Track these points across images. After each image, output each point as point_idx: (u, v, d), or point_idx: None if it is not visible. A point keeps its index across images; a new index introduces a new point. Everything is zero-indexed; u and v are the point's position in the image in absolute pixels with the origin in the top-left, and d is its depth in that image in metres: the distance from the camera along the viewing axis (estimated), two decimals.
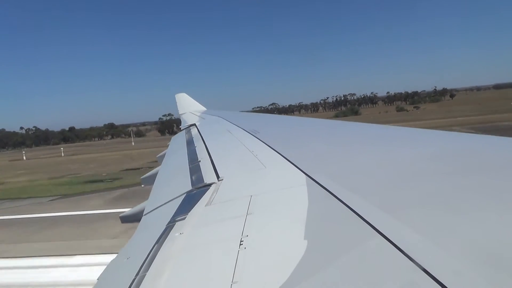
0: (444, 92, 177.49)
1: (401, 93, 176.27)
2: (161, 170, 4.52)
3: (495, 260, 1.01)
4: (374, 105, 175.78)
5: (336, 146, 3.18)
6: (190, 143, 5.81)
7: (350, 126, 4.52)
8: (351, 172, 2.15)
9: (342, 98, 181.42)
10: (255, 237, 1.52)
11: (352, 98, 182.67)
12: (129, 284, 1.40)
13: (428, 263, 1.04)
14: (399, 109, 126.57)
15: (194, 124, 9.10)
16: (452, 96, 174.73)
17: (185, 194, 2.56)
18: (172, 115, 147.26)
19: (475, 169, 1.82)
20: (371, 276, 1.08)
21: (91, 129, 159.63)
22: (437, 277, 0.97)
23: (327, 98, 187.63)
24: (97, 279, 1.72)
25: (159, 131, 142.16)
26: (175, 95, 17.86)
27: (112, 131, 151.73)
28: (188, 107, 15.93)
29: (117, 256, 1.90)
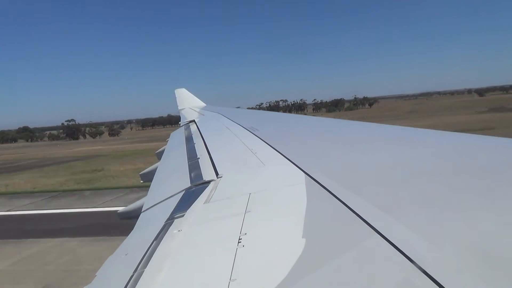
0: (364, 100, 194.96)
1: (326, 101, 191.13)
2: (160, 167, 4.52)
3: (492, 260, 1.01)
4: (302, 111, 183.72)
5: (335, 145, 3.18)
6: (189, 139, 5.80)
7: (349, 124, 4.52)
8: (350, 171, 2.16)
9: (275, 104, 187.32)
10: (254, 235, 1.52)
11: (284, 104, 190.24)
12: (127, 281, 1.41)
13: (426, 262, 1.04)
14: None
15: (194, 120, 9.10)
16: (370, 104, 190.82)
17: (184, 191, 2.56)
18: (74, 120, 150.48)
19: (474, 169, 1.82)
20: (369, 275, 1.09)
21: (2, 132, 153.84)
22: (434, 277, 0.98)
23: (262, 103, 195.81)
24: (95, 275, 1.72)
25: (66, 135, 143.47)
26: (175, 90, 17.77)
27: (26, 134, 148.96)
28: (188, 103, 15.89)
29: (115, 253, 1.91)
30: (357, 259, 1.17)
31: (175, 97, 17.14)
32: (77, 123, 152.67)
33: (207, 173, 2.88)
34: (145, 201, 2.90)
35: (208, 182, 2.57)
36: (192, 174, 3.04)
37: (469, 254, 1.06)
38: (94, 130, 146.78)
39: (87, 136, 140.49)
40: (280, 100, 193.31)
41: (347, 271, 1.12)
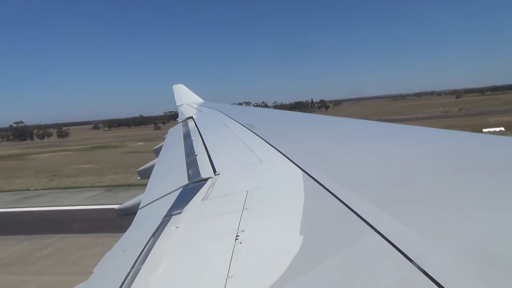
0: (321, 103, 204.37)
1: (286, 104, 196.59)
2: (158, 163, 4.51)
3: (491, 259, 1.02)
4: None
5: (333, 142, 3.18)
6: (187, 136, 5.80)
7: (347, 122, 4.52)
8: (347, 169, 2.16)
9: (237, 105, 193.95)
10: (251, 232, 1.52)
11: (247, 105, 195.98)
12: (124, 277, 1.41)
13: (423, 260, 1.05)
14: None
15: (191, 117, 9.09)
16: (327, 107, 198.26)
17: (181, 188, 2.56)
18: (23, 122, 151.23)
19: (471, 167, 1.83)
20: (365, 272, 1.09)
21: None
22: (431, 275, 0.98)
23: None
24: (93, 271, 1.72)
25: (14, 136, 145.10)
26: (173, 86, 17.63)
27: None
28: (186, 99, 15.83)
29: (112, 249, 1.91)
30: (354, 256, 1.18)
31: (172, 94, 17.01)
32: (25, 124, 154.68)
33: (205, 170, 2.88)
34: (143, 197, 2.90)
35: (206, 179, 2.57)
36: (189, 171, 3.04)
37: (466, 252, 1.06)
38: (42, 131, 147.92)
39: (35, 137, 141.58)
40: (244, 102, 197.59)
41: (344, 269, 1.13)
